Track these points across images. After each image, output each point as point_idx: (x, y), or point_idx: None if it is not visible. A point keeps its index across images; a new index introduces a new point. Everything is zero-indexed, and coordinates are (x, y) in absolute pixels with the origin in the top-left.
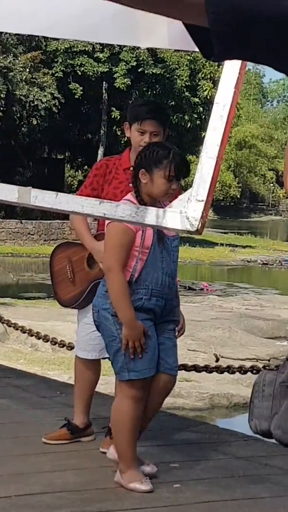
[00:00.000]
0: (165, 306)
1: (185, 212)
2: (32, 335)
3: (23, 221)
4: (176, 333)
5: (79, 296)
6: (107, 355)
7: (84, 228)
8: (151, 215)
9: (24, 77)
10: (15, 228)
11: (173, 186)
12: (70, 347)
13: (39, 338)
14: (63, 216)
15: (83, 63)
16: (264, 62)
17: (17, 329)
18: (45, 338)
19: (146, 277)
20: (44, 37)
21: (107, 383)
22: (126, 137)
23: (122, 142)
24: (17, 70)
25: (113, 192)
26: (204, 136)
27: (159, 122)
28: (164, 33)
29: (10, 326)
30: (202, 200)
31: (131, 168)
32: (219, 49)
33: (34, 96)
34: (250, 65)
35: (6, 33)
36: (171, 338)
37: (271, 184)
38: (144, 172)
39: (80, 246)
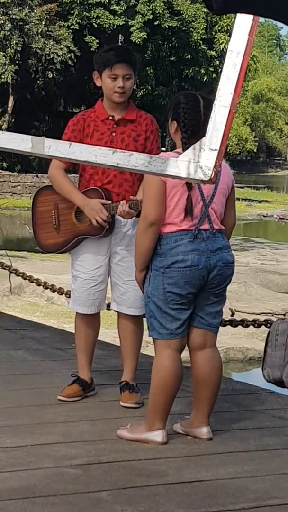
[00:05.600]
0: None
1: (198, 161)
2: (47, 288)
3: (39, 175)
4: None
5: (61, 246)
6: (105, 307)
7: (71, 185)
8: (165, 165)
9: (40, 30)
10: (31, 182)
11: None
12: None
13: (54, 291)
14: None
15: (99, 15)
16: (265, 15)
17: (32, 282)
18: (60, 291)
19: None
20: None
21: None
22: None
23: (138, 95)
24: (33, 23)
25: (97, 144)
26: None
27: (129, 64)
28: None
29: (25, 279)
30: (216, 149)
31: (109, 118)
32: (218, 2)
33: (50, 49)
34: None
35: None
36: None
37: None
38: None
39: None
